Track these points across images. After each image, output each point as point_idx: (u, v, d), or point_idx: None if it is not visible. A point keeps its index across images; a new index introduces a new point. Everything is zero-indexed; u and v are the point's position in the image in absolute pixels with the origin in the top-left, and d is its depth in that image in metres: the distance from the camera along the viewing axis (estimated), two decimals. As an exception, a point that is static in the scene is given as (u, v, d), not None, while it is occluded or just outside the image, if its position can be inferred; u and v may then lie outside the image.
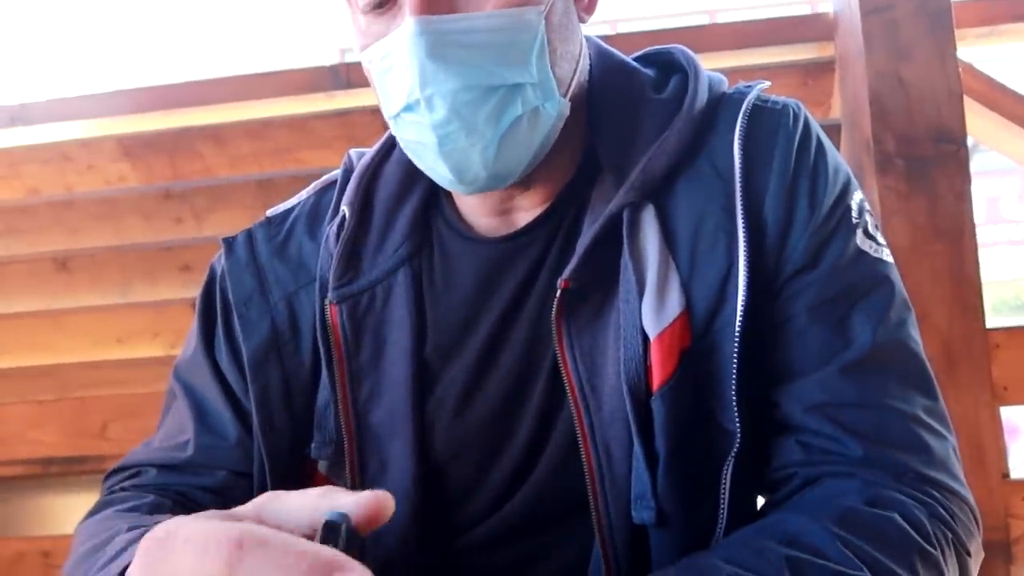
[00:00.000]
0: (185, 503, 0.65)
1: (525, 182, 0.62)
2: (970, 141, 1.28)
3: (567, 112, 0.59)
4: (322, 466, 0.64)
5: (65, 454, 1.55)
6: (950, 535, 0.53)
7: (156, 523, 0.56)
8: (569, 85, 0.60)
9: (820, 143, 0.61)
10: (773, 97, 0.63)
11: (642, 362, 0.56)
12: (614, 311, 0.58)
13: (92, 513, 0.65)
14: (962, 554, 0.54)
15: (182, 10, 6.47)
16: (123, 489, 0.68)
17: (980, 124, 1.59)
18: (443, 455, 0.62)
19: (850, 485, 0.53)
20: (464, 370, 0.62)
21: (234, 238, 0.69)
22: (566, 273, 0.58)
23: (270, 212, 0.72)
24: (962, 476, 0.57)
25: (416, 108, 0.55)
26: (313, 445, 0.64)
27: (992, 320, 1.23)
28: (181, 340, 1.50)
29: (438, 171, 0.58)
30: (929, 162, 1.23)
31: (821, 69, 1.55)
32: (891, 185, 1.23)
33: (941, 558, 0.52)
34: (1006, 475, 1.20)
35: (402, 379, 0.62)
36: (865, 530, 0.50)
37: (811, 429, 0.56)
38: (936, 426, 0.57)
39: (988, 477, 1.19)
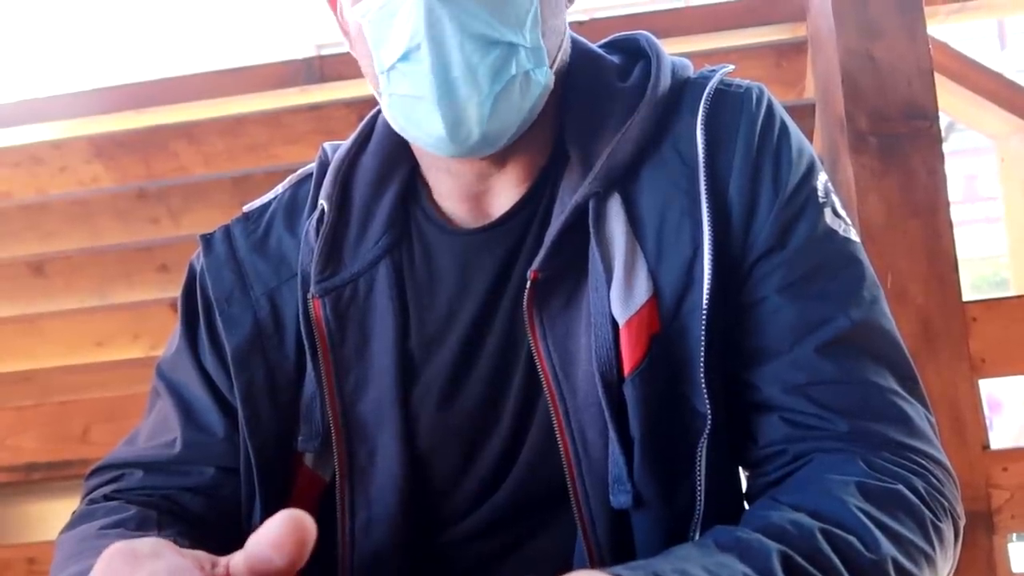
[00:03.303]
0: (172, 509, 0.65)
1: (501, 160, 0.62)
2: (946, 120, 1.29)
3: (552, 85, 0.59)
4: (308, 459, 0.64)
5: (47, 459, 1.53)
6: (945, 503, 0.54)
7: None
8: (554, 60, 0.60)
9: (784, 125, 0.61)
10: (737, 80, 0.63)
11: (612, 348, 0.56)
12: (585, 299, 0.58)
13: (74, 523, 0.64)
14: (956, 519, 0.55)
15: (151, 6, 6.39)
16: (106, 497, 0.67)
17: (954, 101, 1.60)
18: (429, 445, 0.63)
19: (843, 459, 0.54)
20: (447, 361, 0.62)
21: (212, 235, 0.69)
22: (535, 264, 0.58)
23: (247, 207, 0.72)
24: (940, 444, 0.58)
25: (416, 54, 0.55)
26: (300, 438, 0.64)
27: (972, 297, 1.24)
28: (162, 341, 1.49)
29: (430, 127, 0.57)
30: (902, 139, 1.24)
31: (794, 50, 1.56)
32: (865, 163, 1.24)
33: (945, 526, 0.53)
34: (986, 446, 1.21)
35: (387, 370, 0.62)
36: (883, 503, 0.51)
37: (794, 408, 0.57)
38: (912, 399, 0.58)
39: (969, 449, 1.20)
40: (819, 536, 0.48)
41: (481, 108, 0.55)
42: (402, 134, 0.62)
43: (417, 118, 0.58)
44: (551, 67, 0.59)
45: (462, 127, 0.56)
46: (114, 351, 1.67)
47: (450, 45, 0.54)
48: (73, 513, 0.67)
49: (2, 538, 1.63)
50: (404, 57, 0.55)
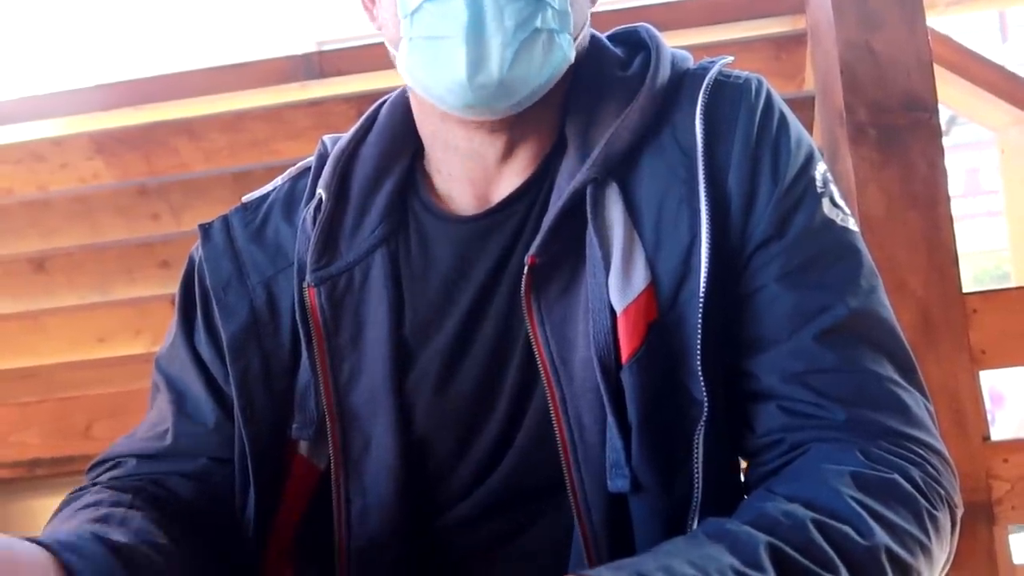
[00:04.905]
0: (157, 493, 0.65)
1: (509, 145, 0.63)
2: (948, 114, 1.29)
3: (572, 58, 0.60)
4: (303, 447, 0.65)
5: (51, 455, 1.54)
6: (942, 491, 0.55)
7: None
8: (577, 35, 0.61)
9: (782, 116, 0.62)
10: (736, 72, 0.63)
11: (610, 335, 0.57)
12: (582, 286, 0.59)
13: (58, 510, 0.65)
14: (953, 508, 0.56)
15: (151, 3, 6.39)
16: (94, 484, 0.67)
17: (954, 93, 1.60)
18: (425, 432, 0.63)
19: (840, 448, 0.54)
20: (442, 348, 0.63)
21: (210, 224, 0.69)
22: (532, 249, 0.58)
23: (246, 198, 0.72)
24: (938, 433, 0.58)
25: None
26: (295, 426, 0.64)
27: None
28: (163, 336, 1.49)
29: (452, 67, 0.57)
30: (901, 131, 1.24)
31: (793, 42, 1.56)
32: (865, 155, 1.23)
33: (941, 515, 0.53)
34: (987, 438, 1.21)
35: (382, 358, 0.63)
36: (877, 493, 0.51)
37: (792, 397, 0.57)
38: (911, 387, 0.58)
39: (969, 440, 1.20)
40: (811, 527, 0.48)
41: (504, 50, 0.56)
42: (416, 86, 0.62)
43: (438, 61, 0.58)
44: (574, 40, 0.60)
45: (484, 68, 0.56)
46: (116, 347, 1.67)
47: None
48: (61, 502, 0.67)
49: (7, 533, 1.63)
50: None
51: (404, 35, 0.59)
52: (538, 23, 0.57)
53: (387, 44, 0.63)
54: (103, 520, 0.58)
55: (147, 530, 0.58)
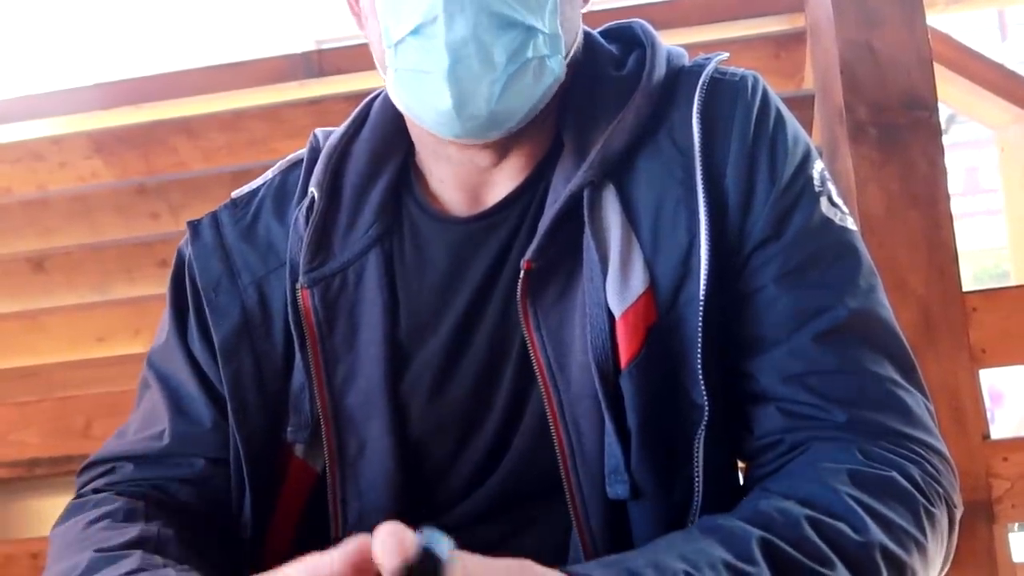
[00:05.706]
0: (161, 499, 0.64)
1: (503, 151, 0.62)
2: (947, 112, 1.29)
3: (563, 76, 0.59)
4: (299, 450, 0.64)
5: (50, 455, 1.54)
6: (940, 490, 0.54)
7: (126, 542, 0.56)
8: (569, 52, 0.60)
9: (779, 114, 0.61)
10: (731, 69, 0.63)
11: (608, 340, 0.56)
12: (579, 290, 0.58)
13: (65, 517, 0.64)
14: (952, 507, 0.55)
15: (150, 2, 6.38)
16: (95, 491, 0.67)
17: (954, 92, 1.60)
18: (420, 434, 0.62)
19: (840, 448, 0.54)
20: (438, 350, 0.62)
21: (199, 221, 0.68)
22: (528, 254, 0.58)
23: (235, 194, 0.71)
24: (939, 433, 0.58)
25: (431, 27, 0.54)
26: (289, 429, 0.63)
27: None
28: (162, 336, 1.49)
29: (438, 101, 0.56)
30: (901, 129, 1.23)
31: (792, 40, 1.56)
32: (864, 153, 1.23)
33: (938, 513, 0.53)
34: (986, 436, 1.21)
35: (376, 360, 0.62)
36: (873, 490, 0.51)
37: (792, 399, 0.57)
38: (911, 387, 0.58)
39: (969, 439, 1.20)
40: (805, 523, 0.48)
41: (492, 87, 0.55)
42: (406, 112, 0.61)
43: (424, 93, 0.57)
44: (566, 58, 0.59)
45: (471, 104, 0.56)
46: (115, 346, 1.67)
47: (467, 21, 0.54)
48: (66, 507, 0.67)
49: (6, 533, 1.63)
50: (416, 31, 0.55)
51: (389, 64, 0.58)
52: (529, 53, 0.56)
53: (376, 64, 0.62)
54: (140, 543, 0.57)
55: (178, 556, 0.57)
